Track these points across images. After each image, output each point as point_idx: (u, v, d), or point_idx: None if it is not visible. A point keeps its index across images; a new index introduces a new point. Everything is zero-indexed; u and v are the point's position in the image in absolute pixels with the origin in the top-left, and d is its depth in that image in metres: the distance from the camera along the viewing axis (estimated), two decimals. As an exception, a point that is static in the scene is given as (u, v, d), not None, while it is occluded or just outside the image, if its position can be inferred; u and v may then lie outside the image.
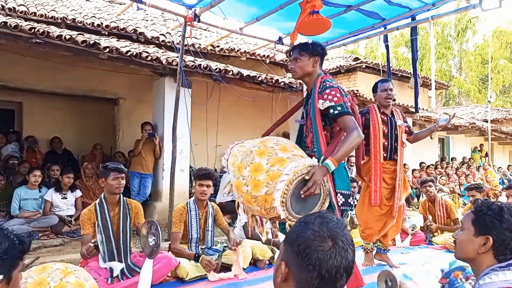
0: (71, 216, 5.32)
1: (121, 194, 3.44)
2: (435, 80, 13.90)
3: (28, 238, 1.59)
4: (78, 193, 5.59)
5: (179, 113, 5.36)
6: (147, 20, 8.96)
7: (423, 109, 11.53)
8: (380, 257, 4.21)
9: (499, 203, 1.55)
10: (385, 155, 3.99)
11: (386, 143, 3.99)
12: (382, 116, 4.02)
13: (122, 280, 3.22)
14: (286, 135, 8.68)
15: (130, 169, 6.20)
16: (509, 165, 15.87)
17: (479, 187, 5.52)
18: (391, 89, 4.04)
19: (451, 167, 12.25)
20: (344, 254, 1.06)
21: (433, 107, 13.45)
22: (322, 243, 1.05)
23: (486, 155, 15.15)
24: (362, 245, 4.25)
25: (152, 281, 3.22)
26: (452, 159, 13.68)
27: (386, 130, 4.00)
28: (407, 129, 4.16)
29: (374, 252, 4.24)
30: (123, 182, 3.41)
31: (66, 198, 5.40)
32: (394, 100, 4.09)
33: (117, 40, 6.48)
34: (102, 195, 3.40)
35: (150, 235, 3.14)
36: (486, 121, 14.23)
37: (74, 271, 2.19)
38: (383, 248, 4.20)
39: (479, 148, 16.10)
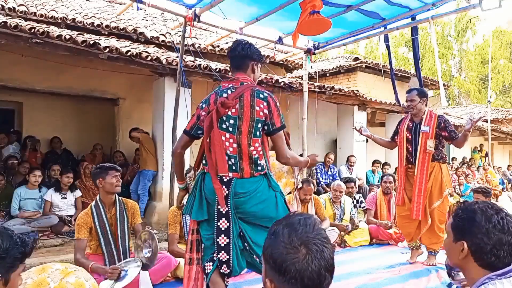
0: (71, 216, 5.31)
1: (116, 194, 3.41)
2: (435, 80, 13.89)
3: (32, 242, 1.57)
4: (78, 193, 5.58)
5: (179, 113, 5.36)
6: (147, 20, 8.96)
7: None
8: (427, 259, 4.34)
9: (476, 204, 1.46)
10: (410, 159, 4.21)
11: (410, 148, 4.20)
12: (409, 123, 4.24)
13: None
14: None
15: (142, 168, 6.29)
16: (509, 165, 15.87)
17: (487, 191, 5.23)
18: (410, 100, 4.19)
19: (451, 167, 12.24)
20: (321, 255, 1.05)
21: (443, 105, 13.33)
22: (296, 254, 1.05)
23: (486, 155, 15.14)
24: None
25: (152, 281, 3.22)
26: (452, 159, 13.68)
27: (410, 137, 4.19)
28: (445, 134, 4.13)
29: (420, 250, 4.46)
30: (120, 180, 3.39)
31: (66, 198, 5.40)
32: (412, 109, 4.18)
33: (117, 40, 6.48)
34: (98, 197, 3.35)
35: (146, 247, 3.08)
36: (486, 121, 14.21)
37: (74, 271, 2.19)
38: (429, 250, 4.34)
39: (479, 148, 16.09)
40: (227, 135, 2.37)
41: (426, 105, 4.21)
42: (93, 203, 3.35)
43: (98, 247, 3.31)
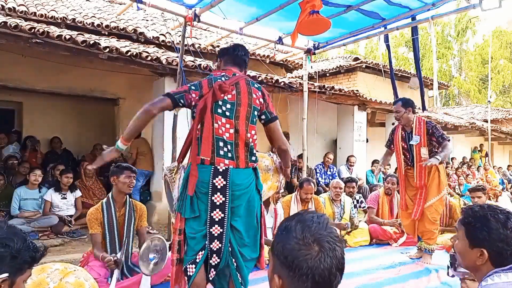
0: (71, 216, 5.31)
1: (127, 195, 3.47)
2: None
3: (43, 250, 1.57)
4: (78, 193, 5.58)
5: (179, 113, 5.36)
6: (147, 20, 8.96)
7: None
8: (423, 257, 4.48)
9: (484, 210, 1.52)
10: (409, 163, 4.44)
11: (408, 155, 4.44)
12: (402, 132, 4.46)
13: (121, 280, 3.23)
14: (285, 135, 8.69)
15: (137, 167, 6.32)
16: (509, 165, 15.86)
17: (483, 188, 5.40)
18: (395, 111, 4.43)
19: (451, 167, 12.24)
20: (333, 254, 1.04)
21: (438, 106, 13.41)
22: (309, 250, 1.03)
23: (486, 155, 15.13)
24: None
25: (152, 282, 3.23)
26: (452, 159, 13.68)
27: (405, 145, 4.44)
28: (434, 139, 4.31)
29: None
30: (134, 182, 3.46)
31: (65, 198, 5.39)
32: (399, 120, 4.42)
33: (117, 40, 6.48)
34: (110, 195, 3.43)
35: (152, 252, 3.03)
36: (486, 121, 14.19)
37: (73, 271, 2.19)
38: (425, 248, 4.51)
39: (479, 148, 16.08)
40: (223, 120, 2.29)
41: (413, 112, 4.40)
42: (105, 199, 3.42)
43: (102, 244, 3.34)
